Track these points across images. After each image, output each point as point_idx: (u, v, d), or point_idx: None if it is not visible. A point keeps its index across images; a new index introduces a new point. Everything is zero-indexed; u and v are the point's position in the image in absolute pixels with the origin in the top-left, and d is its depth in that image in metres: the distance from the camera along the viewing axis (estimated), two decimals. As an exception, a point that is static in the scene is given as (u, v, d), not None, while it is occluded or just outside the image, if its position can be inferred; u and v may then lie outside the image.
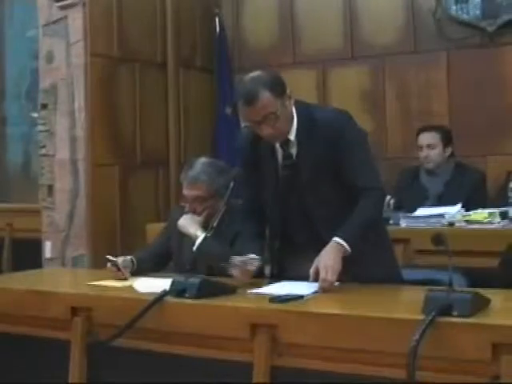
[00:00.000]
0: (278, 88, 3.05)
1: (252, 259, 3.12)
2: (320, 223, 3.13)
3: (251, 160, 3.27)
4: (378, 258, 3.15)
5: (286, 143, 3.14)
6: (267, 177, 3.22)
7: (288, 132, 3.12)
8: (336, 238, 2.99)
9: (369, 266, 3.07)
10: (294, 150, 3.15)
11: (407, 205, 4.85)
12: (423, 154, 5.12)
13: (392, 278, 3.15)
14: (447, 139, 5.16)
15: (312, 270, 2.96)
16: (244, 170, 3.35)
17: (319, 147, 3.08)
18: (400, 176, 5.29)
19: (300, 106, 3.17)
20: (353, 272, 3.02)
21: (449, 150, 5.14)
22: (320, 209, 3.13)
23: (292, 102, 3.12)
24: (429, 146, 5.11)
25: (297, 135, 3.13)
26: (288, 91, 3.09)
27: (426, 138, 5.15)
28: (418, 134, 5.22)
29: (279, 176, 3.19)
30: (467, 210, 4.52)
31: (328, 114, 3.23)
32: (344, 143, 3.07)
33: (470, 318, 2.29)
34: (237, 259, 3.12)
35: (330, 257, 2.96)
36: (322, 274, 2.91)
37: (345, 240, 2.98)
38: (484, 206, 4.62)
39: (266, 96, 2.99)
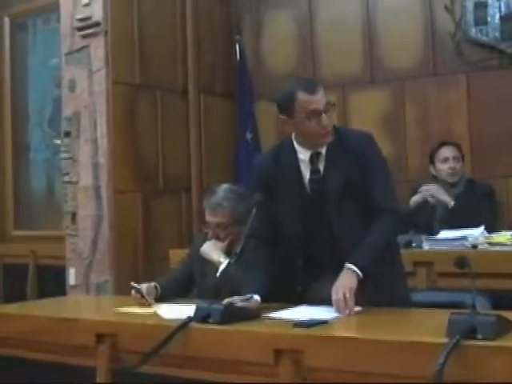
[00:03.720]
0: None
1: (249, 299, 3.12)
2: (342, 239, 3.16)
3: (271, 180, 3.30)
4: (388, 284, 3.16)
5: (316, 156, 3.21)
6: (289, 196, 3.25)
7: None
8: (348, 265, 3.04)
9: (377, 290, 3.09)
10: (322, 165, 3.21)
11: (418, 221, 4.90)
12: (450, 165, 5.13)
13: (400, 304, 3.16)
14: (463, 155, 5.23)
15: (333, 300, 2.99)
16: (260, 191, 3.34)
17: (346, 165, 3.15)
18: (412, 192, 5.29)
19: None
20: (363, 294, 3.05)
21: (463, 166, 5.21)
22: (343, 225, 3.17)
23: None
24: (454, 159, 5.15)
25: (327, 150, 3.19)
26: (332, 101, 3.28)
27: (452, 151, 5.19)
28: (437, 149, 5.24)
29: (304, 191, 3.23)
30: (477, 221, 4.56)
31: (357, 134, 3.32)
32: (369, 163, 3.16)
33: (494, 341, 2.28)
34: (236, 300, 3.08)
35: (344, 280, 3.02)
36: (338, 295, 2.96)
37: (357, 266, 3.03)
38: (493, 217, 4.83)
39: (323, 90, 3.19)
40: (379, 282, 3.09)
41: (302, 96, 3.13)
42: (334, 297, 2.97)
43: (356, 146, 3.18)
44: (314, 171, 3.22)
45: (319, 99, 3.14)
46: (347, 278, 3.02)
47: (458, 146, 5.26)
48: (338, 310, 2.94)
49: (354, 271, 3.03)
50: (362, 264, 3.04)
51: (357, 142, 3.20)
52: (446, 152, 5.19)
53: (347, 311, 2.93)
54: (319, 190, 3.21)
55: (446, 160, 5.16)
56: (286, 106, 3.18)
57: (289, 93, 3.18)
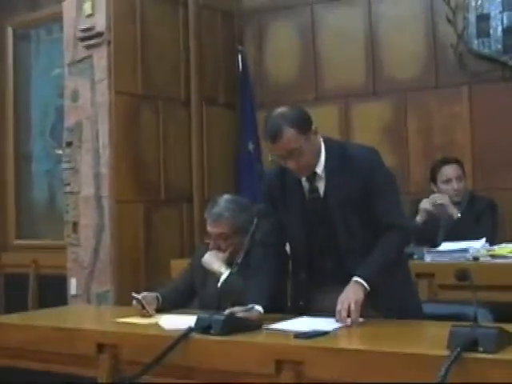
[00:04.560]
0: (303, 124, 3.12)
1: (250, 309, 3.12)
2: (346, 254, 3.16)
3: (278, 194, 3.31)
4: (399, 293, 3.17)
5: (312, 176, 3.19)
6: (293, 210, 3.26)
7: (314, 165, 3.17)
8: (356, 278, 3.05)
9: (389, 300, 3.11)
10: (321, 184, 3.20)
11: (426, 235, 4.88)
12: (453, 186, 5.05)
13: (413, 312, 3.17)
14: (464, 171, 5.19)
15: (337, 310, 2.99)
16: (268, 204, 3.38)
17: (349, 183, 3.13)
18: (412, 207, 5.27)
19: (329, 141, 3.24)
20: (374, 305, 3.08)
21: (466, 183, 5.17)
22: (347, 240, 3.16)
23: (318, 136, 3.19)
24: (457, 179, 5.09)
25: (325, 169, 3.18)
26: (313, 127, 3.15)
27: (454, 170, 5.11)
28: (439, 167, 5.17)
29: (306, 207, 3.23)
30: (479, 235, 4.55)
31: (359, 151, 3.26)
32: (375, 182, 3.14)
33: (495, 354, 2.28)
34: (237, 311, 3.10)
35: (350, 292, 3.02)
36: (343, 305, 2.96)
37: (364, 279, 3.04)
38: (494, 230, 4.85)
39: (290, 133, 3.06)
40: (391, 294, 3.11)
41: (267, 141, 3.16)
42: (338, 307, 2.98)
43: (361, 162, 3.15)
44: (311, 190, 3.22)
45: (281, 147, 3.08)
46: (354, 291, 3.02)
47: (459, 162, 5.19)
48: (340, 320, 2.94)
49: (361, 284, 3.03)
50: (369, 277, 3.04)
51: (360, 161, 3.16)
52: (449, 172, 5.10)
53: (348, 321, 2.93)
54: (318, 208, 3.20)
55: (449, 181, 5.08)
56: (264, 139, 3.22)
57: (263, 130, 3.21)
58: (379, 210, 3.13)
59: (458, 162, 5.19)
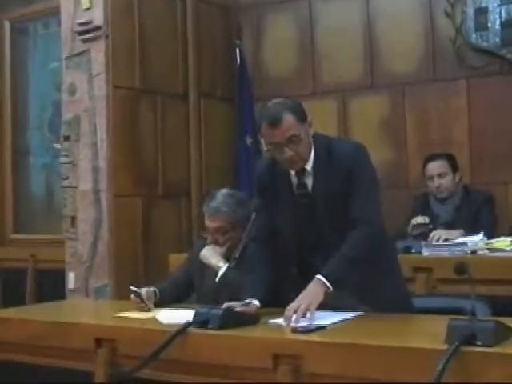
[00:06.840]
0: (301, 113, 3.13)
1: (248, 304, 3.12)
2: (335, 249, 3.14)
3: (268, 188, 3.31)
4: (386, 288, 3.16)
5: (301, 172, 3.19)
6: (283, 204, 3.25)
7: (306, 160, 3.16)
8: (318, 276, 3.02)
9: (376, 295, 3.11)
10: (309, 180, 3.20)
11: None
12: (434, 184, 5.11)
13: (401, 307, 3.16)
14: (455, 165, 5.18)
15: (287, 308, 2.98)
16: (260, 198, 3.39)
17: (334, 179, 3.13)
18: (413, 202, 5.30)
19: (318, 137, 3.22)
20: (361, 301, 3.10)
21: (458, 176, 5.17)
22: (335, 236, 3.14)
23: (311, 131, 3.18)
24: (440, 175, 5.11)
25: (313, 166, 3.17)
26: (309, 119, 3.16)
27: (436, 168, 5.15)
28: (425, 164, 5.22)
29: (295, 202, 3.23)
30: (477, 230, 4.55)
31: (345, 147, 3.25)
32: (354, 176, 3.12)
33: (493, 348, 2.28)
34: (235, 305, 3.09)
35: (309, 292, 3.00)
36: (294, 305, 2.94)
37: (326, 277, 3.01)
38: (492, 224, 4.84)
39: (290, 119, 3.07)
40: (378, 290, 3.11)
41: (264, 129, 3.11)
42: (291, 304, 2.96)
43: (343, 158, 3.14)
44: (299, 186, 3.22)
45: (281, 132, 3.06)
46: (313, 292, 3.00)
47: (446, 157, 5.21)
48: (284, 318, 2.92)
49: (323, 283, 3.01)
50: (332, 276, 3.01)
51: (344, 154, 3.16)
52: (430, 170, 5.16)
53: (293, 319, 2.89)
54: (307, 204, 3.20)
55: (431, 178, 5.14)
56: (258, 131, 3.22)
57: (257, 121, 3.22)
58: (351, 206, 3.11)
59: (443, 157, 5.21)
